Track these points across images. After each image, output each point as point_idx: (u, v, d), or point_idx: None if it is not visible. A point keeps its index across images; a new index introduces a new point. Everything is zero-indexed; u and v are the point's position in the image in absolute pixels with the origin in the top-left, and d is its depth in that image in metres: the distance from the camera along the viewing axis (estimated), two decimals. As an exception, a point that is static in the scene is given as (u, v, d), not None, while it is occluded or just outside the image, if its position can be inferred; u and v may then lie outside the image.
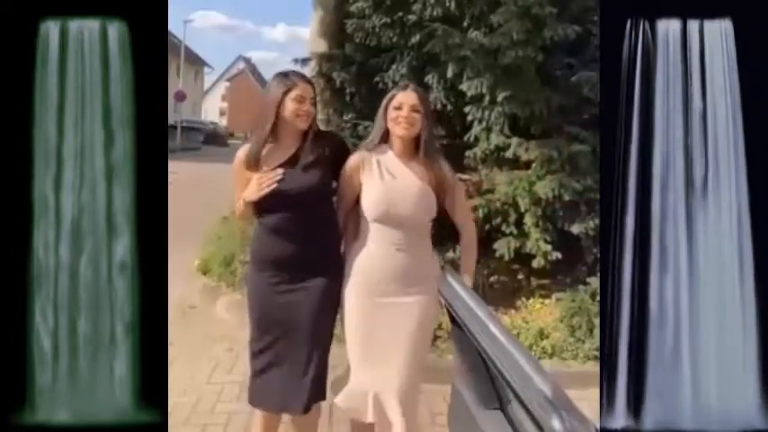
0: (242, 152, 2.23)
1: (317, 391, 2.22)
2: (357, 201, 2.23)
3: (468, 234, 2.34)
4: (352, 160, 2.22)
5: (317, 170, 2.16)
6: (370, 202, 2.15)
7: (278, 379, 2.20)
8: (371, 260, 2.17)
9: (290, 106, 2.14)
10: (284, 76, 2.21)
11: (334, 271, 2.22)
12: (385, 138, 2.23)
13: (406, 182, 2.16)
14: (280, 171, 2.14)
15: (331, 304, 2.22)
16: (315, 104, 2.19)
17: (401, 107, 2.13)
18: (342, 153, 2.27)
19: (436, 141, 2.26)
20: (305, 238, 2.16)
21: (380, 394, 2.14)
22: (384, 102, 2.22)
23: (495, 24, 4.56)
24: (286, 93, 2.14)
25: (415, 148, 2.20)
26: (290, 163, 2.17)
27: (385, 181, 2.15)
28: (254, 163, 2.18)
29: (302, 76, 2.24)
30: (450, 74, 4.82)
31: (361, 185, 2.19)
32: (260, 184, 2.12)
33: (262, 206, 2.17)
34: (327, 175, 2.20)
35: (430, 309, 2.23)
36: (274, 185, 2.12)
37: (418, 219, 2.18)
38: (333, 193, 2.30)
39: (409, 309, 2.17)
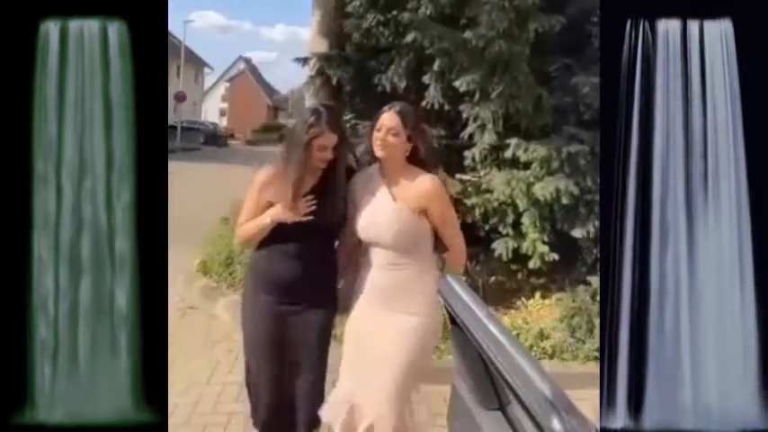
0: (264, 176, 2.22)
1: (316, 414, 2.26)
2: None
3: (455, 250, 2.25)
4: (351, 182, 2.25)
5: (337, 202, 2.20)
6: (355, 226, 2.18)
7: (281, 404, 2.27)
8: (360, 279, 2.21)
9: (313, 152, 2.15)
10: (316, 117, 2.16)
11: (335, 291, 2.29)
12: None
13: (383, 205, 2.14)
14: (313, 198, 2.15)
15: (331, 325, 2.30)
16: (334, 144, 2.16)
17: (380, 129, 2.13)
18: None
19: (430, 156, 2.21)
20: (318, 264, 2.23)
21: (357, 408, 2.15)
22: (374, 119, 2.20)
23: (483, 19, 4.56)
24: (312, 139, 2.13)
25: (406, 164, 2.18)
26: (313, 191, 2.18)
27: (366, 203, 2.17)
28: (293, 198, 2.14)
29: (330, 123, 2.17)
30: (436, 68, 4.81)
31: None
32: (296, 208, 2.12)
33: (281, 230, 2.17)
34: (345, 207, 2.23)
35: (421, 330, 2.15)
36: (311, 214, 2.13)
37: (396, 242, 2.13)
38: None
39: (395, 328, 2.14)
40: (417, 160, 2.19)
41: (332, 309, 2.28)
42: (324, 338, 2.27)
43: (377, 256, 2.16)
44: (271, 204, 2.19)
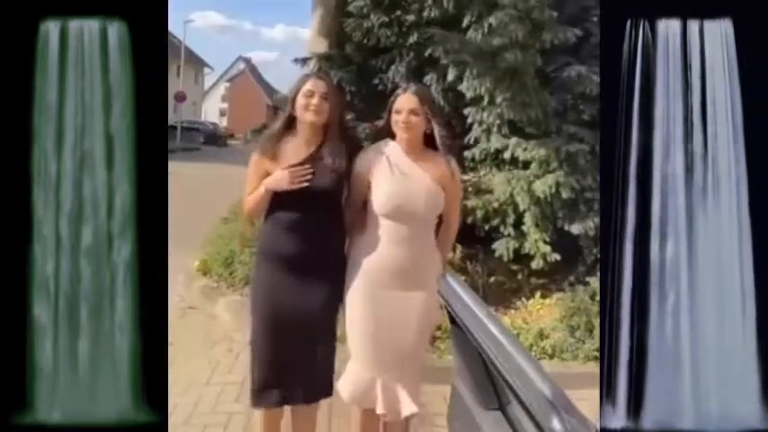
0: (262, 146, 2.28)
1: (324, 385, 2.29)
2: (365, 199, 2.25)
3: (451, 231, 2.37)
4: (363, 158, 2.25)
5: (335, 169, 2.20)
6: (382, 198, 2.17)
7: (282, 372, 2.24)
8: (376, 254, 2.19)
9: (300, 101, 2.20)
10: (303, 77, 2.28)
11: (341, 267, 2.27)
12: (393, 134, 2.26)
13: (417, 179, 2.19)
14: (308, 167, 2.17)
15: (339, 300, 2.27)
16: (327, 99, 2.20)
17: (400, 111, 2.18)
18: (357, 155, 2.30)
19: (443, 136, 2.27)
20: (319, 235, 2.22)
21: (387, 383, 2.19)
22: (390, 102, 2.26)
23: (494, 27, 4.57)
24: (299, 90, 2.21)
25: (422, 145, 2.24)
26: (311, 160, 2.20)
27: (396, 178, 2.18)
28: (270, 150, 2.22)
29: (316, 74, 2.36)
30: (450, 77, 4.82)
31: (370, 183, 2.21)
32: (292, 176, 2.14)
33: (280, 201, 2.20)
34: (343, 175, 2.24)
35: (430, 304, 2.26)
36: (306, 182, 2.15)
37: (427, 215, 2.22)
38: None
39: (411, 303, 2.21)
40: (431, 141, 2.24)
41: (338, 278, 2.25)
42: (329, 309, 2.25)
43: (395, 232, 2.17)
44: (268, 174, 2.22)
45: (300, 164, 2.17)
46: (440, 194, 2.21)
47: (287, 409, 2.35)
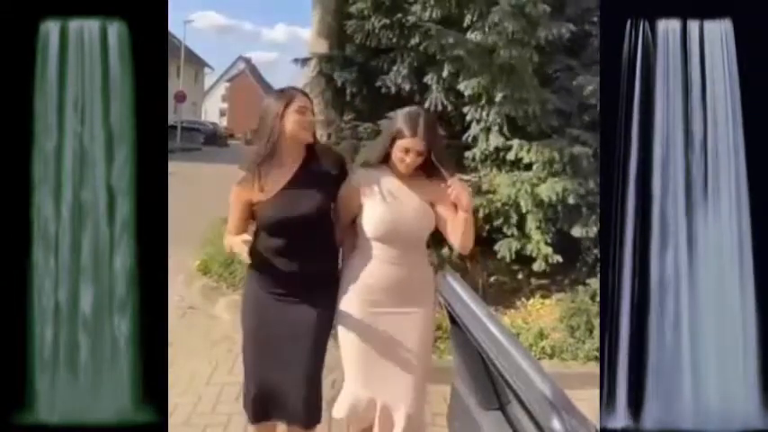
0: (238, 184, 2.20)
1: (316, 409, 2.24)
2: (354, 218, 2.24)
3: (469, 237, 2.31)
4: (352, 181, 2.22)
5: (321, 190, 2.17)
6: (373, 223, 2.16)
7: (275, 395, 2.22)
8: (369, 275, 2.18)
9: (292, 118, 2.10)
10: (281, 92, 2.20)
11: (333, 287, 2.25)
12: (384, 159, 2.22)
13: (407, 202, 2.18)
14: (290, 194, 2.12)
15: (329, 321, 2.24)
16: (313, 115, 2.18)
17: (408, 151, 2.12)
18: (341, 171, 2.26)
19: (442, 163, 2.20)
20: (309, 256, 2.18)
21: (387, 404, 2.17)
22: (390, 131, 2.17)
23: (492, 24, 4.58)
24: (287, 105, 2.11)
25: (416, 169, 2.20)
26: (294, 183, 2.15)
27: (387, 202, 2.16)
28: (254, 182, 2.13)
29: (299, 90, 2.24)
30: (446, 73, 4.82)
31: (360, 206, 2.19)
32: (244, 243, 2.02)
33: (267, 228, 2.16)
34: (330, 194, 2.20)
35: (427, 321, 2.26)
36: (280, 215, 2.11)
37: (419, 236, 2.22)
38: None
39: (407, 321, 2.20)
40: (429, 165, 2.19)
41: (329, 303, 2.22)
42: (319, 333, 2.21)
43: (387, 253, 2.16)
44: (251, 205, 2.16)
45: (284, 189, 2.13)
46: (429, 213, 2.19)
47: None
